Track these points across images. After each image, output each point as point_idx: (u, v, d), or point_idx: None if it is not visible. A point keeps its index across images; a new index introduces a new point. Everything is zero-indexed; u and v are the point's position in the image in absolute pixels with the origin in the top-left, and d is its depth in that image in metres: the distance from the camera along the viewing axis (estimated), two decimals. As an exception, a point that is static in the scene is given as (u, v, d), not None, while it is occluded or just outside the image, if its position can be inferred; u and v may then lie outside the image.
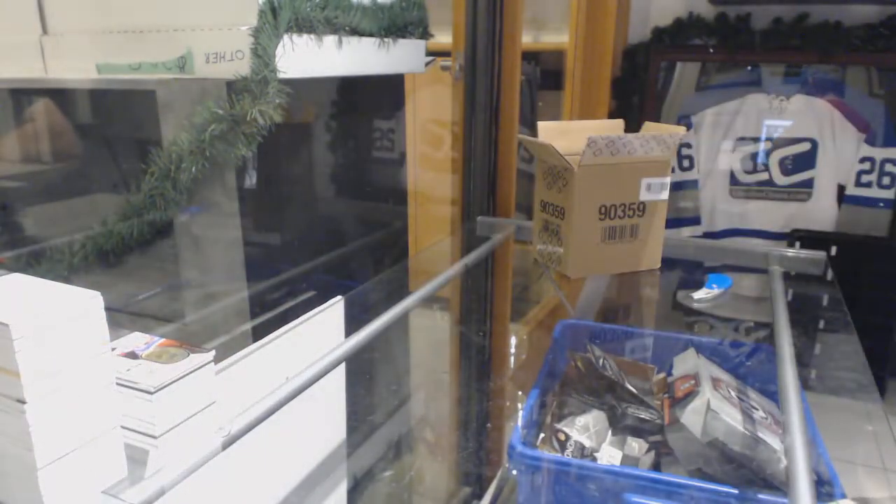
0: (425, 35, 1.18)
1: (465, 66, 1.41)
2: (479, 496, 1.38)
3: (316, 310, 0.93)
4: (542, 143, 1.07)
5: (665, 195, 1.09)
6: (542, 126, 1.14)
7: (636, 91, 2.43)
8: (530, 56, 2.53)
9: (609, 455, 0.97)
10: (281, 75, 0.81)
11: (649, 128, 1.13)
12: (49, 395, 0.48)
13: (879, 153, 2.22)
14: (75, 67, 0.89)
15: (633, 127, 1.21)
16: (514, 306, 1.64)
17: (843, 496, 0.79)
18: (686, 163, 2.42)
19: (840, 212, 2.30)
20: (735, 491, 0.83)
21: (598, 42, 2.26)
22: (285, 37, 0.82)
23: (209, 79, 0.81)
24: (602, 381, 1.05)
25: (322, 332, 0.94)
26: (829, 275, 1.20)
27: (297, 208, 1.04)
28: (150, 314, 0.91)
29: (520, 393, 1.26)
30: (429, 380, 1.46)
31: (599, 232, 1.05)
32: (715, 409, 0.90)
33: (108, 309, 0.51)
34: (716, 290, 1.21)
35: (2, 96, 0.95)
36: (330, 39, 0.92)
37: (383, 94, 1.27)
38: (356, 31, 0.98)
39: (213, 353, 0.60)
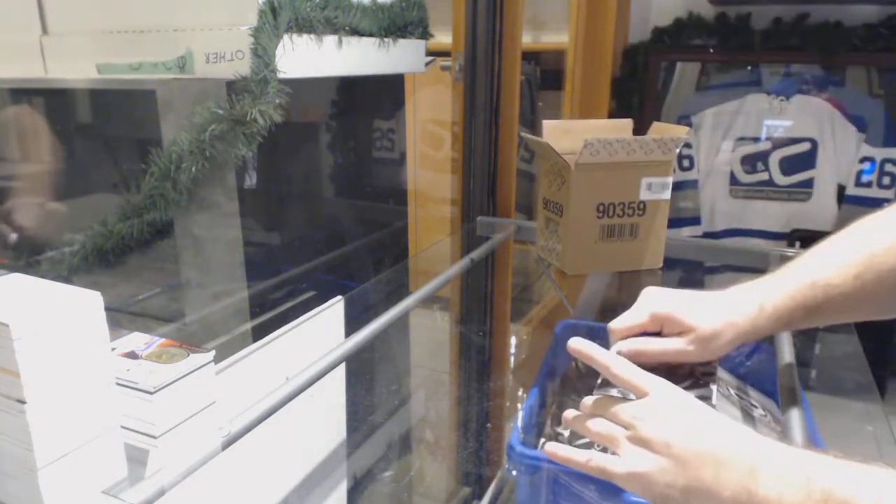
0: (425, 35, 1.18)
1: (465, 66, 1.41)
2: (479, 496, 1.38)
3: (316, 310, 0.93)
4: (541, 141, 1.08)
5: (667, 195, 1.09)
6: (547, 125, 1.14)
7: (636, 91, 2.43)
8: (530, 56, 2.53)
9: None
10: (281, 75, 0.81)
11: (657, 129, 1.13)
12: (49, 395, 0.48)
13: (879, 153, 2.22)
14: (75, 67, 0.89)
15: (635, 127, 1.21)
16: (514, 306, 1.64)
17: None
18: (686, 163, 2.41)
19: (840, 212, 2.29)
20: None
21: (598, 42, 2.25)
22: (285, 37, 0.82)
23: (209, 79, 0.80)
24: (602, 381, 1.05)
25: (322, 332, 0.94)
26: (829, 275, 1.20)
27: (297, 208, 1.04)
28: (150, 314, 0.91)
29: (520, 393, 1.26)
30: (429, 380, 1.46)
31: (598, 230, 1.05)
32: (714, 407, 0.90)
33: (108, 309, 0.51)
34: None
35: (2, 96, 0.95)
36: (330, 39, 0.92)
37: (383, 94, 1.27)
38: (356, 31, 0.98)
39: (213, 353, 0.60)
